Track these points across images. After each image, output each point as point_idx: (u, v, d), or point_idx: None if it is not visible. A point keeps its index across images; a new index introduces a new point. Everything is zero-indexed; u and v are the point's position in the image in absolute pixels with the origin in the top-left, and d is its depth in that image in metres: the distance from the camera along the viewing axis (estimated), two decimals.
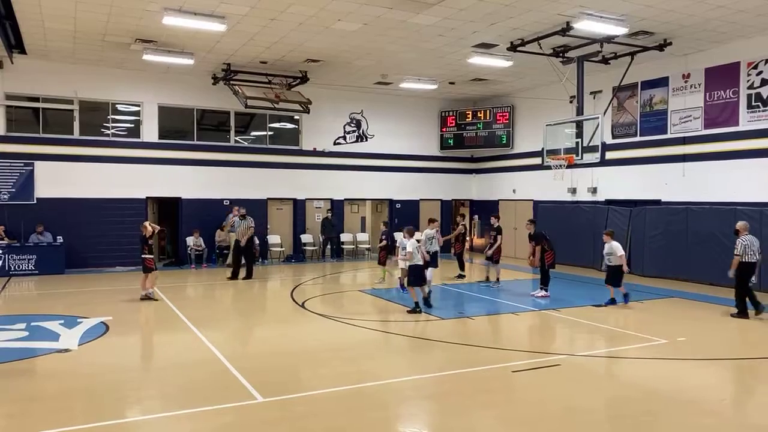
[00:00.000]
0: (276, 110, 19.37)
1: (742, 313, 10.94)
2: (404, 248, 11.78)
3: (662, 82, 16.86)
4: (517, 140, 22.27)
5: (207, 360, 8.25)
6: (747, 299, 10.95)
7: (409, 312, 11.36)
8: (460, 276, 16.27)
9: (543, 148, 16.35)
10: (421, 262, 11.60)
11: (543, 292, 13.20)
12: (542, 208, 20.47)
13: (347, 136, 21.97)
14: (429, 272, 12.61)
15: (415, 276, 11.56)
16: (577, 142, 15.16)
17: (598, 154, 14.80)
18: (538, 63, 16.46)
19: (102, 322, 10.37)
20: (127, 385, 7.22)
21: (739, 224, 11.28)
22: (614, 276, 12.32)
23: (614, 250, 12.27)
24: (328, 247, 21.01)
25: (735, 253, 10.94)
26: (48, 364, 7.97)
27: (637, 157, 17.56)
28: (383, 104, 22.26)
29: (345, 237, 21.99)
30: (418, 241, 12.12)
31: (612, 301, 12.31)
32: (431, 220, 13.87)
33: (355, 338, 9.66)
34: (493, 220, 15.86)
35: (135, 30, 14.23)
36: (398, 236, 14.55)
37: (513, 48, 15.04)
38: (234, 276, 15.97)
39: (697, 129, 15.97)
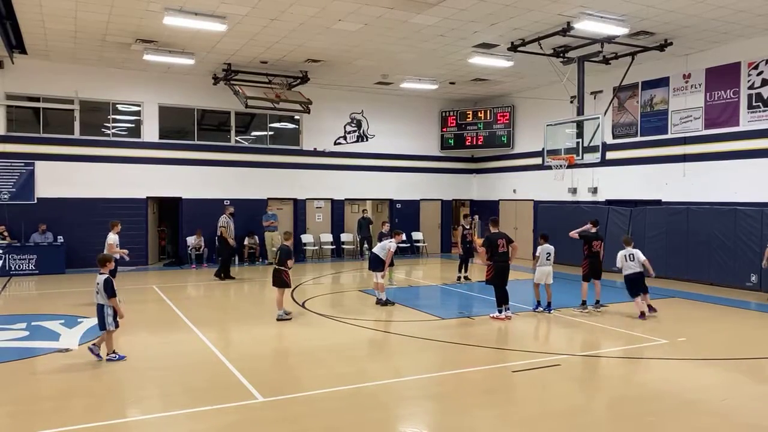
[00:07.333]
0: (276, 110, 19.37)
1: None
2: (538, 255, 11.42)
3: (663, 83, 16.86)
4: (518, 140, 22.27)
5: (207, 360, 8.26)
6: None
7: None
8: (466, 279, 15.91)
9: (543, 148, 16.36)
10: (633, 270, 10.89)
11: (504, 313, 10.83)
12: (542, 208, 20.46)
13: (348, 136, 21.97)
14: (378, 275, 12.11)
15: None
16: (577, 142, 15.18)
17: (598, 154, 14.81)
18: (538, 63, 16.46)
19: None
20: (127, 385, 7.22)
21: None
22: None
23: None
24: (365, 246, 20.89)
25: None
26: (48, 364, 7.98)
27: (638, 157, 17.56)
28: (384, 104, 22.26)
29: (345, 237, 22.01)
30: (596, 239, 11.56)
31: None
32: (390, 227, 12.58)
33: (355, 338, 9.66)
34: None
35: (136, 30, 14.24)
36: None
37: (513, 48, 15.05)
38: (228, 274, 16.08)
39: (698, 129, 15.97)
